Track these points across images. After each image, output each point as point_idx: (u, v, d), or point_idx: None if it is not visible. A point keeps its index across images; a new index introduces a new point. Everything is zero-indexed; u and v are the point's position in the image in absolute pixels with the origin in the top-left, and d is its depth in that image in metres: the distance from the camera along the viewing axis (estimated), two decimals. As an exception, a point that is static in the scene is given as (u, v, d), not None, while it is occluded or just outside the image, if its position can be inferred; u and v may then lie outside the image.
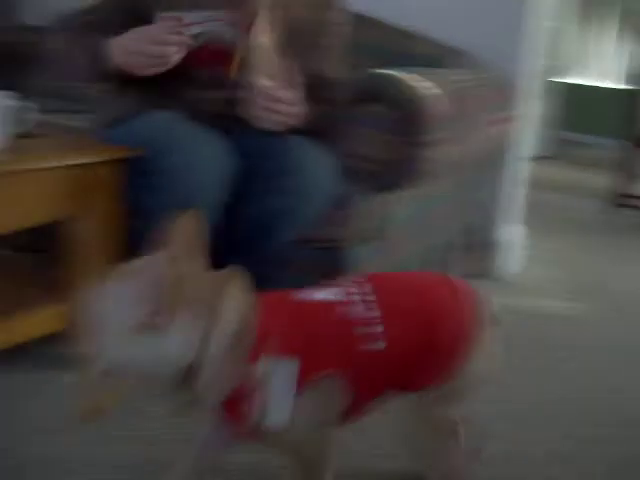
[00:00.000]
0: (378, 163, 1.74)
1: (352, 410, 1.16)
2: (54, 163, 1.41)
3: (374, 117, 1.73)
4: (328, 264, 1.71)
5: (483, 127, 2.17)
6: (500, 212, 2.63)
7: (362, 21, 2.13)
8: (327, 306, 1.14)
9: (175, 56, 1.54)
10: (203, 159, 1.50)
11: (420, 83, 1.74)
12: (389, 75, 1.76)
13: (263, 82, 1.60)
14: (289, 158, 1.59)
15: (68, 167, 1.42)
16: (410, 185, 1.78)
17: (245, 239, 1.61)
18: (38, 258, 1.52)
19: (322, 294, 1.16)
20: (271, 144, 1.60)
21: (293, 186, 1.57)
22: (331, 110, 1.73)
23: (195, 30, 1.55)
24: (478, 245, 2.57)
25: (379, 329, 1.12)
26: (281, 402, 1.06)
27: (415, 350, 1.14)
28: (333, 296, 1.15)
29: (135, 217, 1.50)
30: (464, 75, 2.15)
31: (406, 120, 1.71)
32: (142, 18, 1.59)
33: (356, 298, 1.15)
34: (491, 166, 2.50)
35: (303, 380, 1.07)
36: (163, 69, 1.55)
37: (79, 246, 1.48)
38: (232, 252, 1.61)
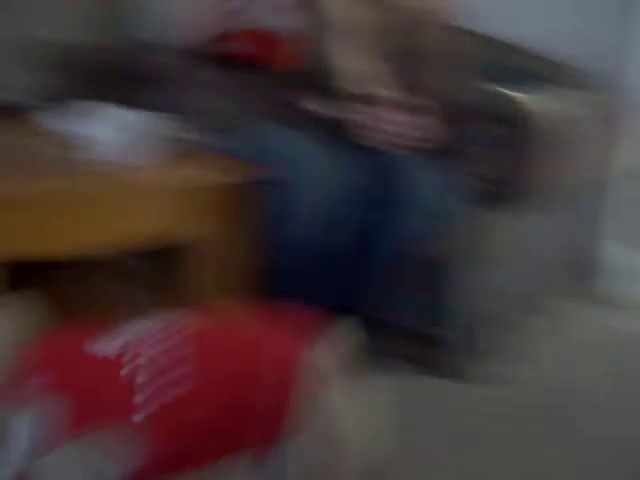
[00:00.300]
0: (487, 180, 1.74)
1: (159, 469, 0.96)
2: (197, 182, 1.46)
3: (484, 134, 1.73)
4: (432, 280, 1.72)
5: (593, 144, 2.13)
6: (610, 232, 2.57)
7: (469, 36, 2.12)
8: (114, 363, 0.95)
9: (210, 26, 1.57)
10: (316, 175, 1.54)
11: (531, 100, 1.74)
12: (500, 92, 1.76)
13: (374, 100, 1.62)
14: (397, 174, 1.61)
15: (211, 187, 1.47)
16: (519, 202, 1.77)
17: (353, 253, 1.64)
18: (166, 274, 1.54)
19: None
20: (380, 159, 1.62)
21: (399, 201, 1.59)
22: (448, 128, 1.74)
23: (235, 4, 1.55)
24: (584, 266, 2.52)
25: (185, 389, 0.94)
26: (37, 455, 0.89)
27: (227, 411, 0.97)
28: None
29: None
30: (574, 92, 2.12)
31: (515, 138, 1.71)
32: None
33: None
34: (601, 185, 2.45)
35: (70, 432, 0.90)
36: (201, 38, 1.59)
37: (214, 264, 1.53)
38: (338, 266, 1.64)
